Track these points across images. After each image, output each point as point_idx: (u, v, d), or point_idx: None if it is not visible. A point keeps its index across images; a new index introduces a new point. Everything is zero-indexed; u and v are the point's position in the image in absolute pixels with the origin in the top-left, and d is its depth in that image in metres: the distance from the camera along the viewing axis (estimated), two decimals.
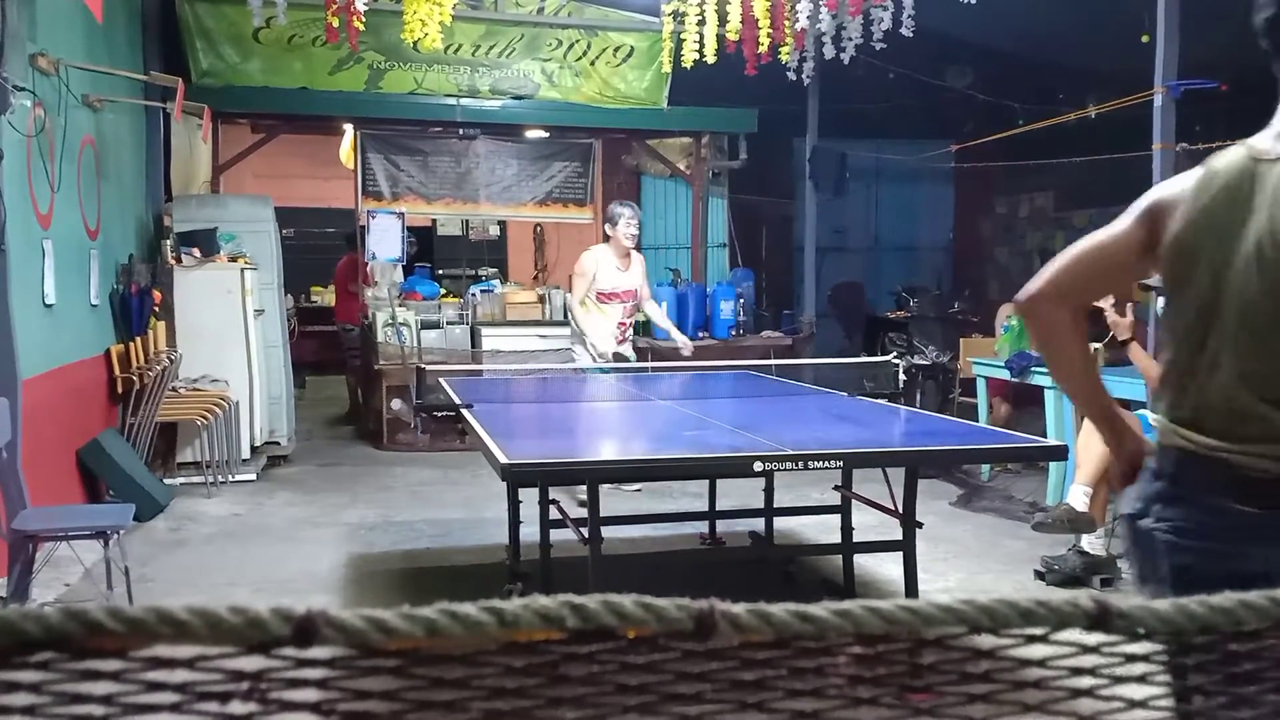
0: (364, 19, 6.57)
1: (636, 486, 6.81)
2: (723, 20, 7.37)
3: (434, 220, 12.06)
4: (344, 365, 10.76)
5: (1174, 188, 1.86)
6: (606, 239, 7.12)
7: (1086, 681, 0.77)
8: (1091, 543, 5.22)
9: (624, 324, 6.99)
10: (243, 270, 7.60)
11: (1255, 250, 1.70)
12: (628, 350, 7.05)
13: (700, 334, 9.71)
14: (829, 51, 7.31)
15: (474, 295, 9.62)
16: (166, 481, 7.01)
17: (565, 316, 9.32)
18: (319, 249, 12.85)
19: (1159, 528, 1.83)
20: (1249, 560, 1.67)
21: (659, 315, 7.47)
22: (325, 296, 12.75)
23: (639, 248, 7.21)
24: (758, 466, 3.73)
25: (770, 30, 7.29)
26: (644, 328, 9.61)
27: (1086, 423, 5.17)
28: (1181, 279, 1.82)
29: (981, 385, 7.55)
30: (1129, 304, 5.10)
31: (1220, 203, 1.76)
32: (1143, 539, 1.88)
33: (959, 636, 0.73)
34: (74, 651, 0.62)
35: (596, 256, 7.01)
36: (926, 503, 5.26)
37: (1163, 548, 1.81)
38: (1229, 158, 1.80)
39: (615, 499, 6.38)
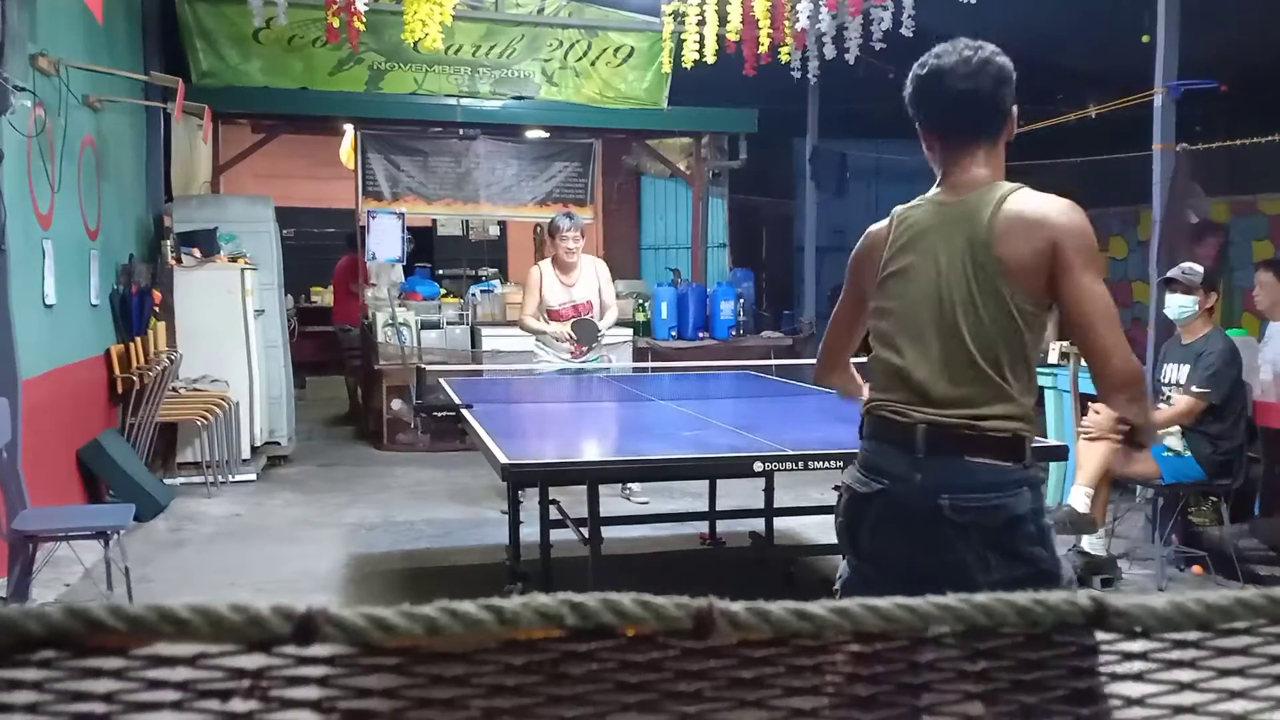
0: (364, 19, 6.57)
1: (644, 498, 6.67)
2: (723, 20, 7.37)
3: (434, 220, 12.06)
4: (343, 366, 10.76)
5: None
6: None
7: (1085, 680, 0.77)
8: (1092, 543, 5.23)
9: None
10: (243, 270, 7.60)
11: None
12: (596, 359, 6.71)
13: (700, 334, 9.72)
14: (829, 51, 7.31)
15: (474, 295, 9.63)
16: (167, 482, 7.01)
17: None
18: (319, 249, 12.85)
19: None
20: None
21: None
22: (325, 297, 12.75)
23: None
24: (758, 466, 3.74)
25: (770, 30, 7.29)
26: (644, 327, 9.62)
27: (1085, 423, 5.18)
28: None
29: None
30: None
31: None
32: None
33: (957, 635, 0.73)
34: (75, 650, 0.62)
35: (541, 272, 6.66)
36: None
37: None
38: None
39: (618, 501, 6.38)
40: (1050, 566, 2.30)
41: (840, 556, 2.61)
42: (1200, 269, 5.19)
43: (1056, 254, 2.23)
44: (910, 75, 2.41)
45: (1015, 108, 2.41)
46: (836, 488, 2.62)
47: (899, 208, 2.49)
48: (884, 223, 2.51)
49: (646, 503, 6.59)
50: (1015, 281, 2.25)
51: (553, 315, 6.57)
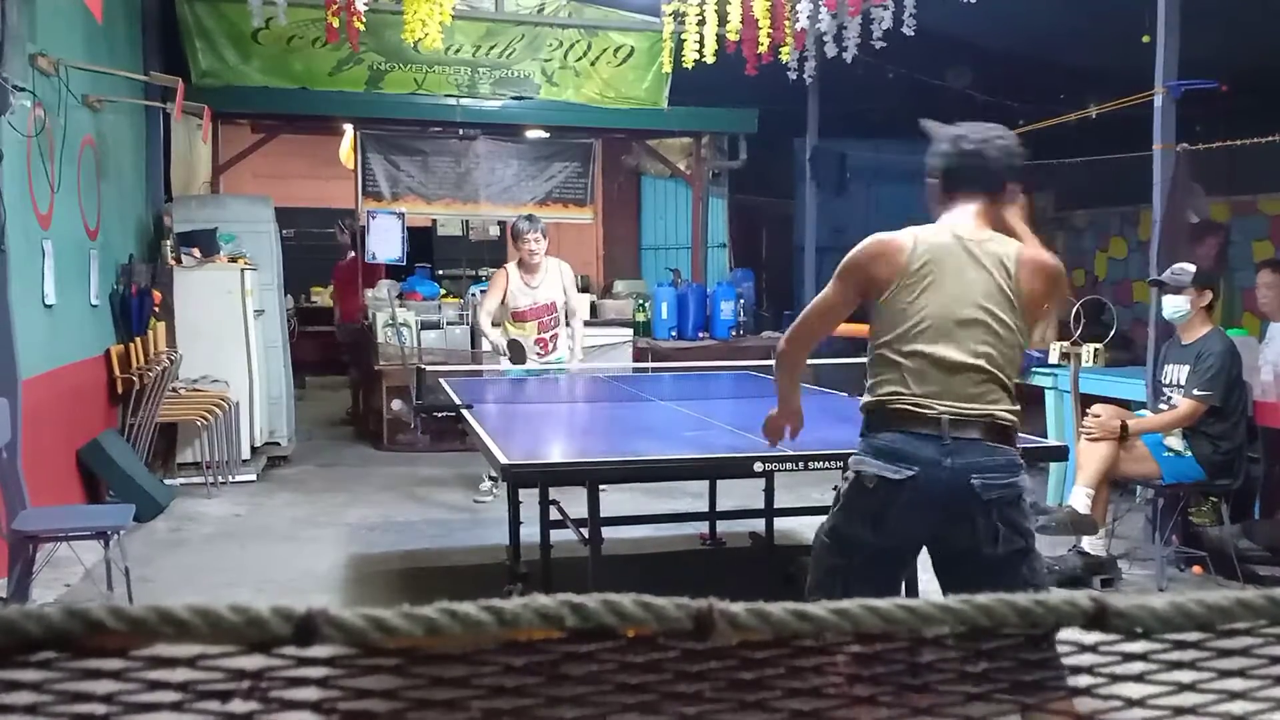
0: (364, 19, 6.57)
1: (488, 498, 6.83)
2: (723, 20, 7.36)
3: (434, 220, 12.07)
4: (344, 366, 10.76)
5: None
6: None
7: (1084, 680, 0.77)
8: (1092, 543, 5.23)
9: (543, 339, 6.72)
10: (243, 271, 7.60)
11: None
12: (559, 359, 6.80)
13: (700, 334, 9.72)
14: (829, 51, 7.31)
15: (474, 295, 9.62)
16: (167, 482, 7.01)
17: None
18: (319, 249, 12.85)
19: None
20: None
21: (572, 331, 6.91)
22: (325, 297, 12.75)
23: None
24: (758, 467, 3.73)
25: (770, 30, 7.29)
26: (644, 327, 9.62)
27: (1086, 423, 5.17)
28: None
29: None
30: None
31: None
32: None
33: (958, 636, 0.73)
34: (75, 651, 0.62)
35: (507, 273, 6.82)
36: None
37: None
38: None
39: (619, 501, 6.38)
40: (1034, 543, 2.78)
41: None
42: (1191, 269, 5.18)
43: (1051, 296, 2.89)
44: (946, 147, 2.90)
45: (1018, 182, 2.95)
46: (836, 488, 2.75)
47: (916, 230, 2.84)
48: (896, 237, 2.82)
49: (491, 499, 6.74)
50: (1025, 310, 2.78)
51: (517, 316, 6.75)
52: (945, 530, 2.72)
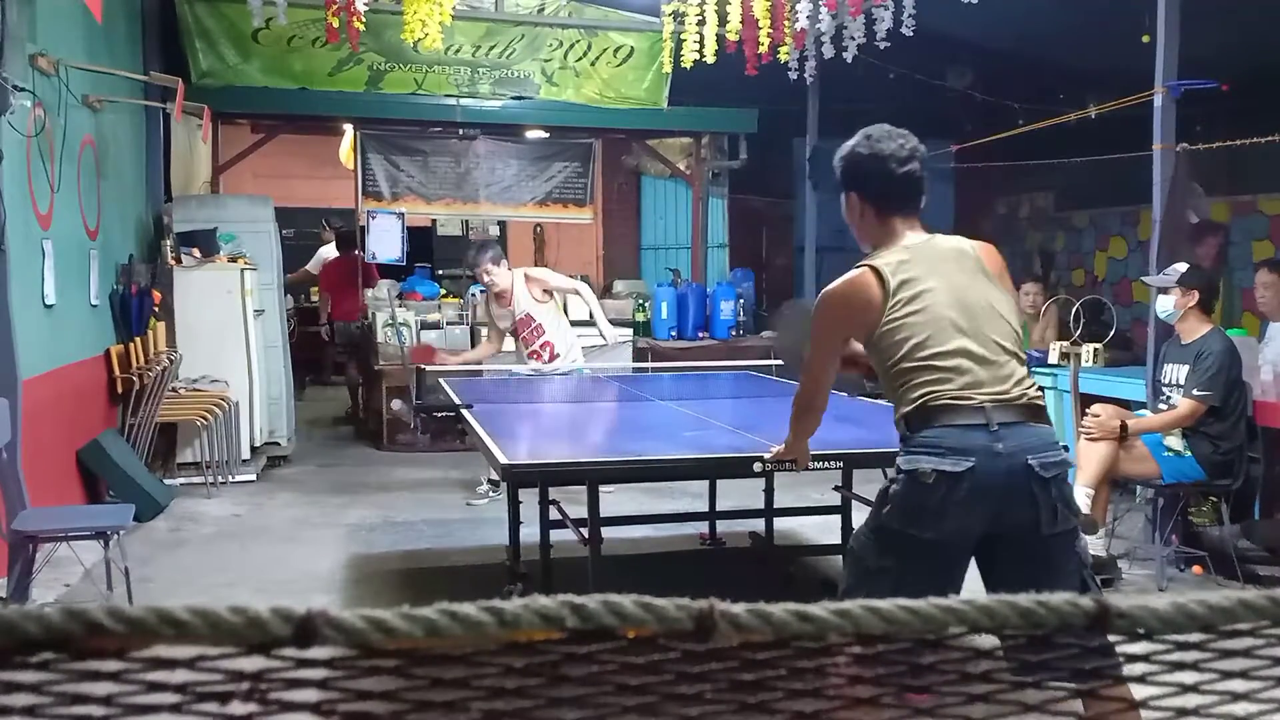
0: (364, 19, 6.57)
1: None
2: (723, 20, 7.36)
3: (434, 220, 12.06)
4: (341, 367, 10.76)
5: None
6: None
7: (1086, 681, 0.77)
8: (1092, 543, 5.22)
9: (536, 354, 6.67)
10: (243, 271, 7.59)
11: None
12: (569, 364, 6.73)
13: (700, 334, 9.71)
14: (829, 51, 7.31)
15: (474, 295, 9.62)
16: (166, 482, 7.01)
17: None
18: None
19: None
20: None
21: (590, 311, 6.96)
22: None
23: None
24: (758, 467, 3.73)
25: (770, 30, 7.29)
26: (644, 327, 9.61)
27: (1085, 423, 5.17)
28: None
29: None
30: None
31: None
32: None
33: (959, 636, 0.73)
34: (74, 652, 0.62)
35: (485, 300, 6.94)
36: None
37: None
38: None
39: (618, 502, 6.38)
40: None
41: (841, 559, 2.78)
42: (1180, 268, 5.18)
43: (1004, 271, 2.97)
44: (864, 160, 2.92)
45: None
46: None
47: (873, 261, 2.86)
48: (859, 276, 2.85)
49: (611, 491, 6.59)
50: (1003, 286, 2.89)
51: (514, 334, 6.77)
52: (1004, 517, 2.71)
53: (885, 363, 2.83)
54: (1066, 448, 2.81)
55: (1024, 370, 2.81)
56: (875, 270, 2.82)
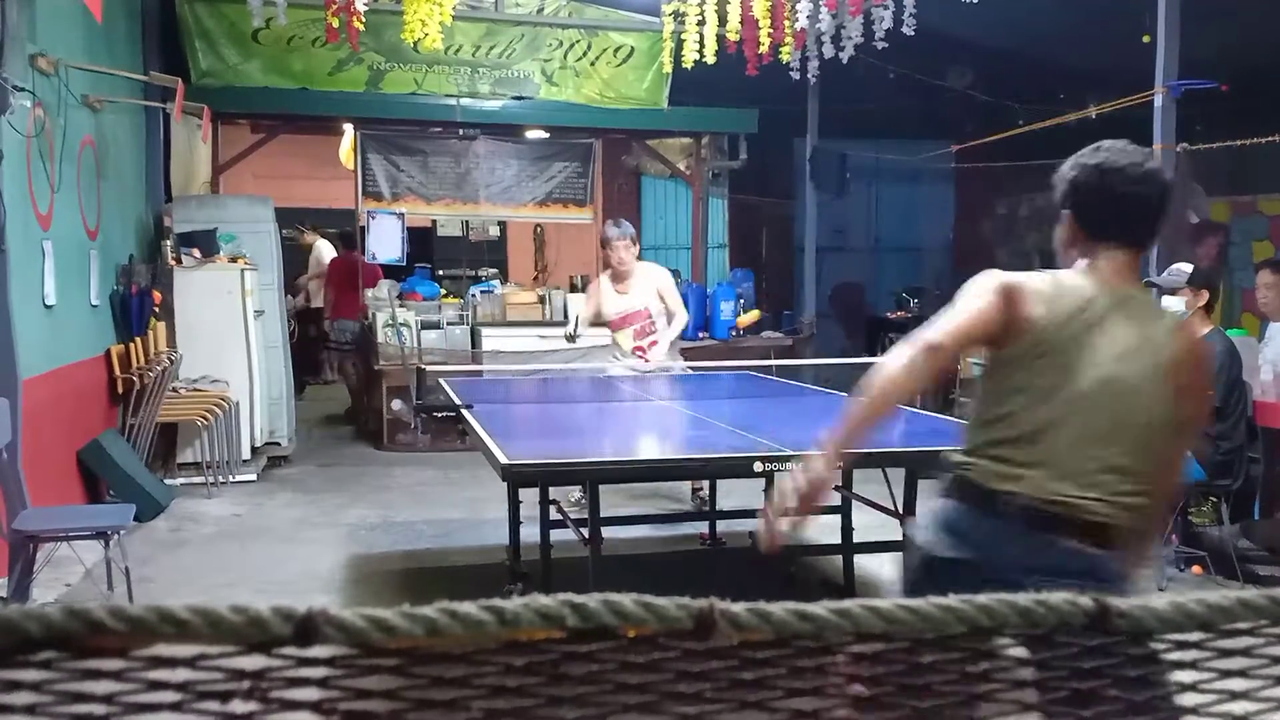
0: (364, 19, 6.57)
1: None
2: (723, 20, 7.37)
3: (434, 220, 12.07)
4: (339, 366, 10.78)
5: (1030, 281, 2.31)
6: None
7: (1086, 681, 0.77)
8: None
9: (640, 348, 6.40)
10: (242, 271, 7.60)
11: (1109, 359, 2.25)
12: (666, 363, 6.49)
13: (700, 334, 9.71)
14: (829, 51, 7.31)
15: (474, 296, 9.63)
16: (167, 482, 7.01)
17: (565, 316, 9.34)
18: None
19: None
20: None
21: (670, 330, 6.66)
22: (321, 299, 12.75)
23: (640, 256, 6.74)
24: (758, 466, 3.73)
25: (770, 30, 7.29)
26: None
27: None
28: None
29: None
30: None
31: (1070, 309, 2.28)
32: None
33: (959, 636, 0.73)
34: (75, 651, 0.62)
35: (599, 283, 6.61)
36: (927, 503, 5.25)
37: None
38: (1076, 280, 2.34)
39: (618, 499, 6.38)
40: None
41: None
42: (1187, 269, 5.17)
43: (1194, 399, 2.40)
44: (1084, 172, 2.38)
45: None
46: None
47: (1077, 280, 2.32)
48: (1050, 283, 2.30)
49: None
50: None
51: (612, 325, 6.48)
52: None
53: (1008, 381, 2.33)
54: None
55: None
56: (1073, 290, 2.30)
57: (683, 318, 6.60)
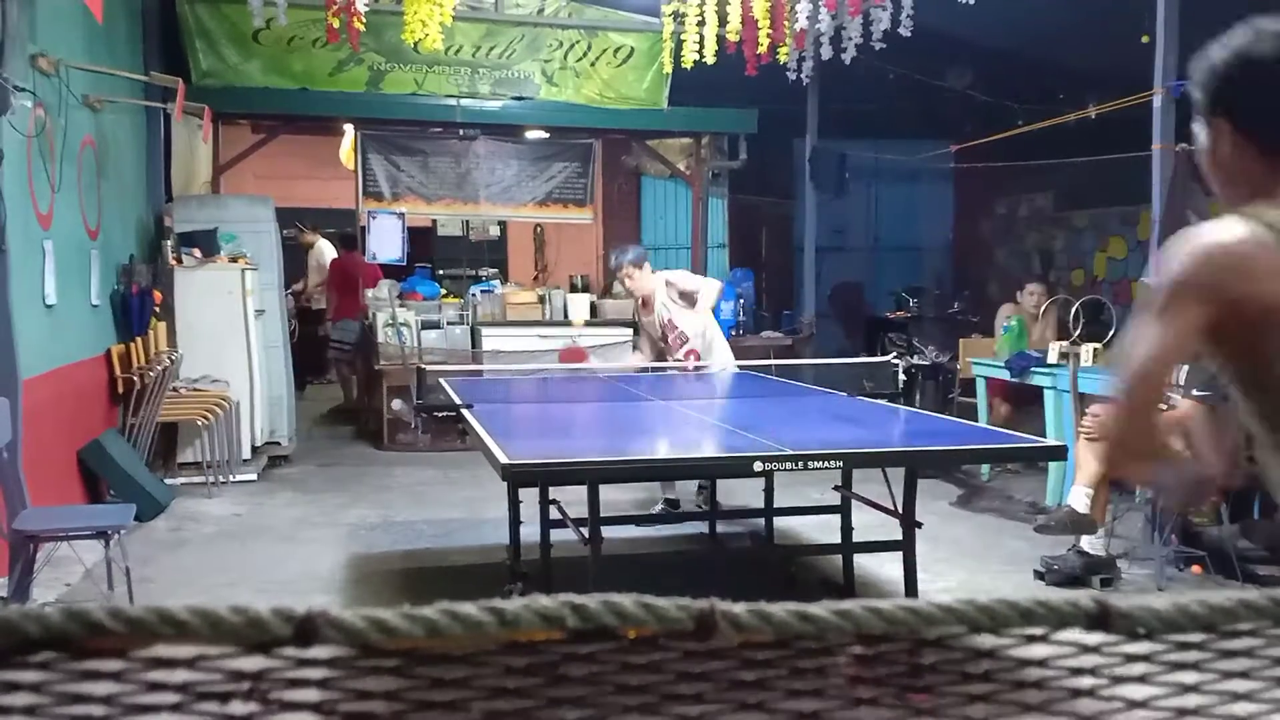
0: (364, 20, 6.57)
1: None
2: (723, 20, 7.37)
3: (434, 220, 12.07)
4: (336, 366, 10.79)
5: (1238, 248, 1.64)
6: None
7: (1087, 681, 0.77)
8: (1092, 543, 5.22)
9: (692, 351, 6.38)
10: (243, 271, 7.60)
11: None
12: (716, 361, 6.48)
13: None
14: (828, 52, 7.31)
15: (474, 295, 9.63)
16: (167, 482, 7.01)
17: (565, 316, 9.36)
18: None
19: None
20: None
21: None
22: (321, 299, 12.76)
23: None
24: (758, 466, 3.73)
25: (770, 30, 7.29)
26: None
27: (1085, 423, 5.17)
28: None
29: (981, 385, 7.55)
30: None
31: None
32: None
33: (959, 636, 0.73)
34: (74, 652, 0.62)
35: (640, 318, 6.59)
36: (926, 503, 5.26)
37: None
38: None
39: (618, 499, 6.38)
40: None
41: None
42: None
43: None
44: (1250, 68, 1.69)
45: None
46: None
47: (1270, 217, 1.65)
48: (1251, 229, 1.63)
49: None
50: None
51: (667, 348, 6.44)
52: None
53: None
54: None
55: None
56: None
57: (707, 291, 6.39)
